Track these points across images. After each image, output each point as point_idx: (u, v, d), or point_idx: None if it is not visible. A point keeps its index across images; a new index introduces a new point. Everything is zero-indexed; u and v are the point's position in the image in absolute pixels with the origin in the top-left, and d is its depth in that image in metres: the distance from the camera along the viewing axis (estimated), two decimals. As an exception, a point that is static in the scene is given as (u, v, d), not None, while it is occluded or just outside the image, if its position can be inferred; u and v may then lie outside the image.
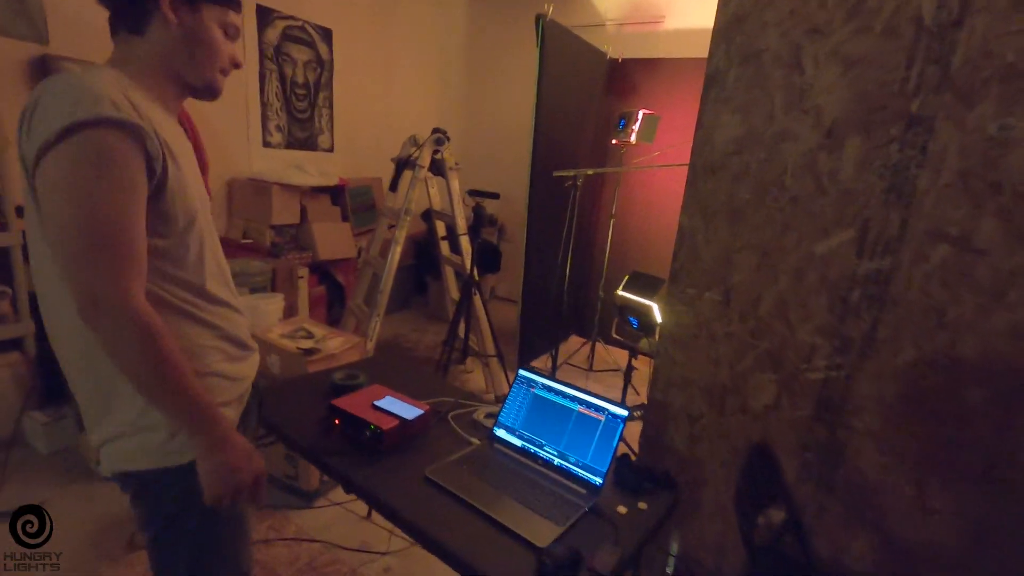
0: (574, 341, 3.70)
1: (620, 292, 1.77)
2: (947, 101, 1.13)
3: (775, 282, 1.37)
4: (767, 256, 1.37)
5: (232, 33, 0.84)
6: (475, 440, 1.18)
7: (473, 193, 2.11)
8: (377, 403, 1.19)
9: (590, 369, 3.17)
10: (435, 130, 2.30)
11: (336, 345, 1.92)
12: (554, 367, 2.31)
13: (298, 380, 1.48)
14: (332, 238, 3.29)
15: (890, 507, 1.31)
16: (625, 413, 1.07)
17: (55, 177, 0.66)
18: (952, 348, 1.20)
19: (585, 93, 3.24)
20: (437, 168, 2.37)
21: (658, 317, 1.65)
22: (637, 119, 2.63)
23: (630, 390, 3.08)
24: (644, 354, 2.88)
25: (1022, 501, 1.17)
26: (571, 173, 2.33)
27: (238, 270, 2.52)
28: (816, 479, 1.39)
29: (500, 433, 1.18)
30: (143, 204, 0.70)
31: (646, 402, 2.60)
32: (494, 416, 1.28)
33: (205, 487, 0.77)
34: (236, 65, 0.86)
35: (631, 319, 1.76)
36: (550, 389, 1.17)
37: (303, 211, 3.17)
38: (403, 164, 2.32)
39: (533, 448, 1.12)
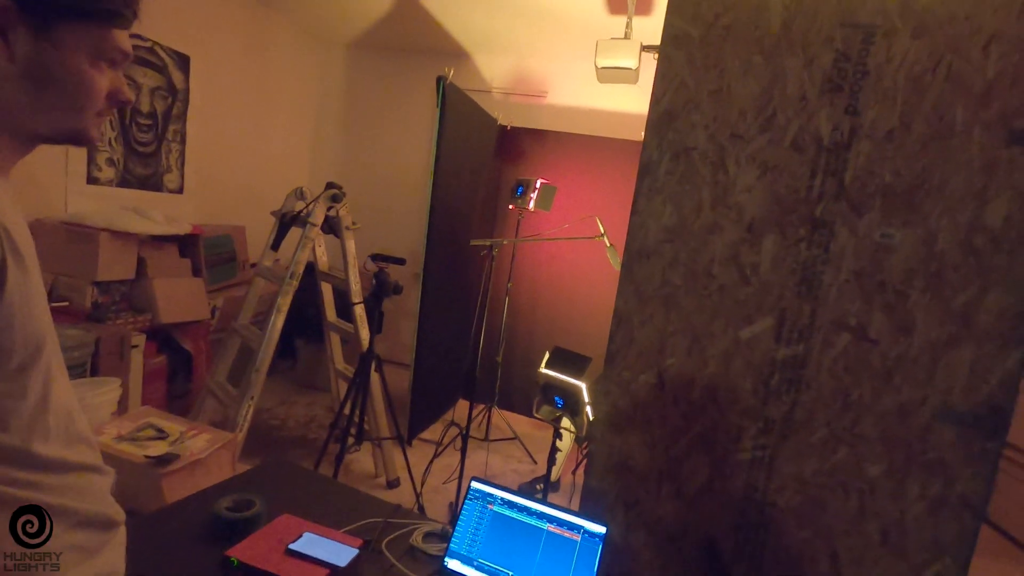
0: (461, 406, 3.52)
1: (543, 370, 1.70)
2: (843, 209, 1.30)
3: (706, 365, 1.42)
4: (698, 340, 1.42)
5: (118, 59, 0.58)
6: (422, 579, 0.97)
7: (377, 258, 1.91)
8: (293, 546, 0.91)
9: (486, 439, 3.01)
10: (329, 184, 2.06)
11: (200, 446, 1.51)
12: (465, 440, 2.12)
13: (160, 516, 1.10)
14: (178, 297, 2.72)
15: (812, 580, 1.37)
16: (603, 530, 0.96)
17: None
18: (855, 426, 1.33)
19: (479, 157, 3.25)
20: (329, 226, 2.12)
21: (587, 397, 1.60)
22: (536, 188, 2.68)
23: (526, 457, 2.99)
24: (542, 420, 2.81)
25: (912, 568, 1.31)
26: (487, 242, 2.25)
27: (44, 343, 1.91)
28: (748, 559, 1.42)
29: (453, 565, 0.98)
30: None
31: (546, 473, 2.52)
32: (436, 537, 1.07)
33: None
34: (122, 102, 0.60)
35: (556, 398, 1.69)
36: (512, 505, 1.01)
37: (140, 264, 2.59)
38: (290, 220, 2.02)
39: (498, 583, 0.95)
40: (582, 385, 1.60)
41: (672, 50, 1.38)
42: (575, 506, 1.94)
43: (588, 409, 1.65)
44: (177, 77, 3.02)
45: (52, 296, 2.27)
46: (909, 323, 1.28)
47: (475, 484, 1.05)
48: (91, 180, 2.63)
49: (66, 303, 2.25)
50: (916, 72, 1.23)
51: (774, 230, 1.35)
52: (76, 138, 0.58)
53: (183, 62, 3.04)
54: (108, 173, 2.72)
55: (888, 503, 1.33)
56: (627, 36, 2.38)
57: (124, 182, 2.80)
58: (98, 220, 2.42)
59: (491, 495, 1.03)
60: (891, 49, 1.24)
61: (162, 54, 2.90)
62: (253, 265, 3.04)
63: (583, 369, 1.64)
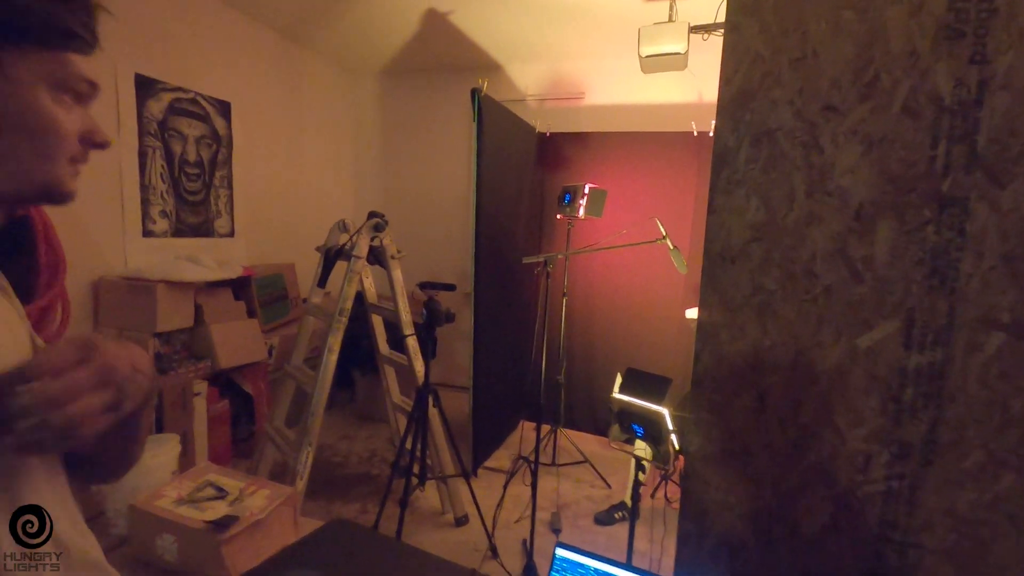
0: (523, 427, 3.36)
1: (617, 395, 1.51)
2: (979, 181, 1.05)
3: (816, 382, 1.20)
4: (804, 353, 1.20)
5: (84, 90, 0.47)
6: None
7: (425, 286, 1.80)
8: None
9: (554, 463, 2.83)
10: (371, 214, 1.98)
11: (260, 504, 1.42)
12: (535, 476, 1.96)
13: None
14: (236, 340, 2.73)
15: (980, 638, 1.11)
16: (730, 612, 0.77)
17: None
18: (1022, 445, 1.07)
19: (520, 168, 3.12)
20: (375, 257, 2.03)
21: (670, 425, 1.41)
22: (584, 193, 2.51)
23: (598, 480, 2.78)
24: (615, 446, 2.61)
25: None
26: (541, 258, 2.10)
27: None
28: (894, 614, 1.17)
29: (546, 656, 0.82)
30: None
31: (628, 502, 2.31)
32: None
33: None
34: (98, 144, 0.49)
35: (634, 426, 1.50)
36: (609, 579, 0.84)
37: (198, 311, 2.61)
38: (335, 254, 1.95)
39: None
40: (664, 412, 1.41)
41: (741, 18, 1.19)
42: (665, 541, 1.70)
43: (673, 437, 1.45)
44: (219, 124, 3.08)
45: (116, 351, 2.31)
46: (1085, 313, 1.02)
47: (560, 552, 0.89)
48: (146, 233, 2.69)
49: (129, 357, 2.28)
50: (1063, 0, 0.98)
51: (889, 215, 1.12)
52: (50, 193, 0.47)
53: (224, 109, 3.10)
54: (162, 225, 2.78)
55: (1077, 540, 1.05)
56: (671, 19, 2.19)
57: (178, 232, 2.85)
58: (155, 272, 2.46)
59: (582, 566, 0.86)
60: (1025, -23, 1.00)
61: (204, 104, 2.96)
62: (305, 300, 3.03)
63: (663, 393, 1.45)
